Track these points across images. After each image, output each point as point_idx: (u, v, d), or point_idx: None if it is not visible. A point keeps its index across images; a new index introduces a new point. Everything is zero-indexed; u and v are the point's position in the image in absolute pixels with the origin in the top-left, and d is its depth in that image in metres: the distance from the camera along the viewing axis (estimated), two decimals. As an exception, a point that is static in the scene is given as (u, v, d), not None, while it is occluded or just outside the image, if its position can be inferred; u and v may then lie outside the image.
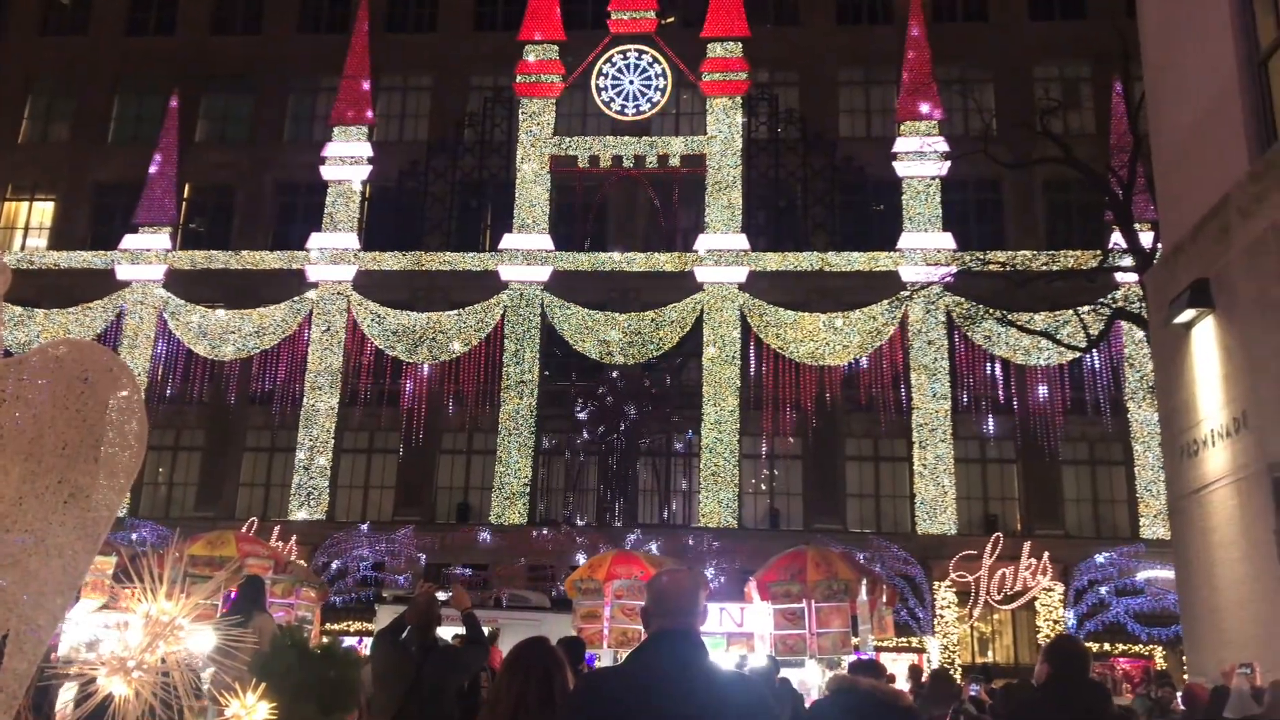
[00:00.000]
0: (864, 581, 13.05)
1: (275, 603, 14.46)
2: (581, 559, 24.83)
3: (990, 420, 26.60)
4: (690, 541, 25.50)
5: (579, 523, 26.48)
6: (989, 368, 26.84)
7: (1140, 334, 22.54)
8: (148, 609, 3.65)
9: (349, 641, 20.62)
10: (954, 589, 24.69)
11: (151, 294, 28.90)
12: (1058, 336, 23.05)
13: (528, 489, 26.89)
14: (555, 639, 8.61)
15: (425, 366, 27.82)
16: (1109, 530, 26.21)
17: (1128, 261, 21.37)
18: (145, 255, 29.10)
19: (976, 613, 24.38)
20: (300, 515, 26.95)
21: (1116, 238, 23.24)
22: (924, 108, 28.08)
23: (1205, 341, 8.89)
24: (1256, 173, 7.98)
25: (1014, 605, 24.39)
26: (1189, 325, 9.11)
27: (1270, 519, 7.67)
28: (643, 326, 27.36)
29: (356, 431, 28.41)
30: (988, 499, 26.75)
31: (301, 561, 23.51)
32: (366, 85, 29.98)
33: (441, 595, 6.92)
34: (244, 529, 23.65)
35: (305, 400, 27.88)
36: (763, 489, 27.23)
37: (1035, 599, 24.48)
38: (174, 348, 28.67)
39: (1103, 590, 24.22)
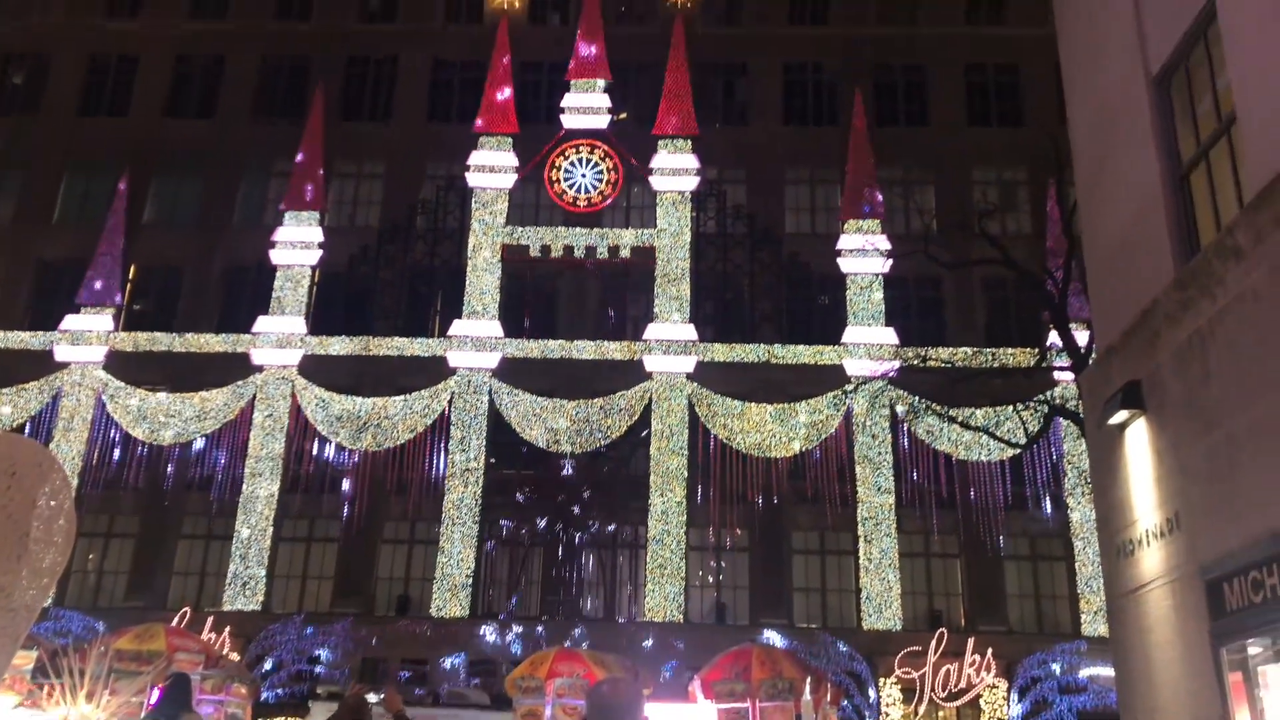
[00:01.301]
0: (809, 680, 12.95)
1: (205, 699, 13.97)
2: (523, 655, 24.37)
3: (934, 514, 26.78)
4: (636, 637, 25.11)
5: (517, 621, 25.99)
6: (932, 462, 27.12)
7: (1079, 431, 22.97)
8: (65, 712, 3.52)
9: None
10: (899, 685, 24.53)
11: (91, 376, 28.34)
12: (997, 433, 23.40)
13: (470, 581, 26.41)
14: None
15: (369, 453, 27.47)
16: (1051, 626, 26.32)
17: (1065, 361, 21.87)
18: (86, 336, 28.61)
19: (921, 710, 24.21)
20: (235, 605, 26.16)
21: (1054, 336, 23.81)
22: (866, 207, 28.85)
23: (1138, 443, 9.08)
24: (1182, 281, 8.29)
25: (959, 702, 24.26)
26: (1122, 426, 9.31)
27: (1204, 620, 7.77)
28: (591, 414, 27.34)
29: (296, 519, 27.82)
30: (932, 594, 26.79)
31: (234, 655, 22.78)
32: (320, 171, 30.14)
33: (373, 697, 6.72)
34: (175, 620, 22.93)
35: (245, 486, 27.31)
36: (709, 582, 27.02)
37: (980, 696, 24.38)
38: (111, 431, 28.03)
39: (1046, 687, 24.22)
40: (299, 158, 30.09)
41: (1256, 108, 7.50)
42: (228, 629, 24.50)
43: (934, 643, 24.18)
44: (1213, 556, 7.56)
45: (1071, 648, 24.56)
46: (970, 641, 24.36)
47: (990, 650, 24.27)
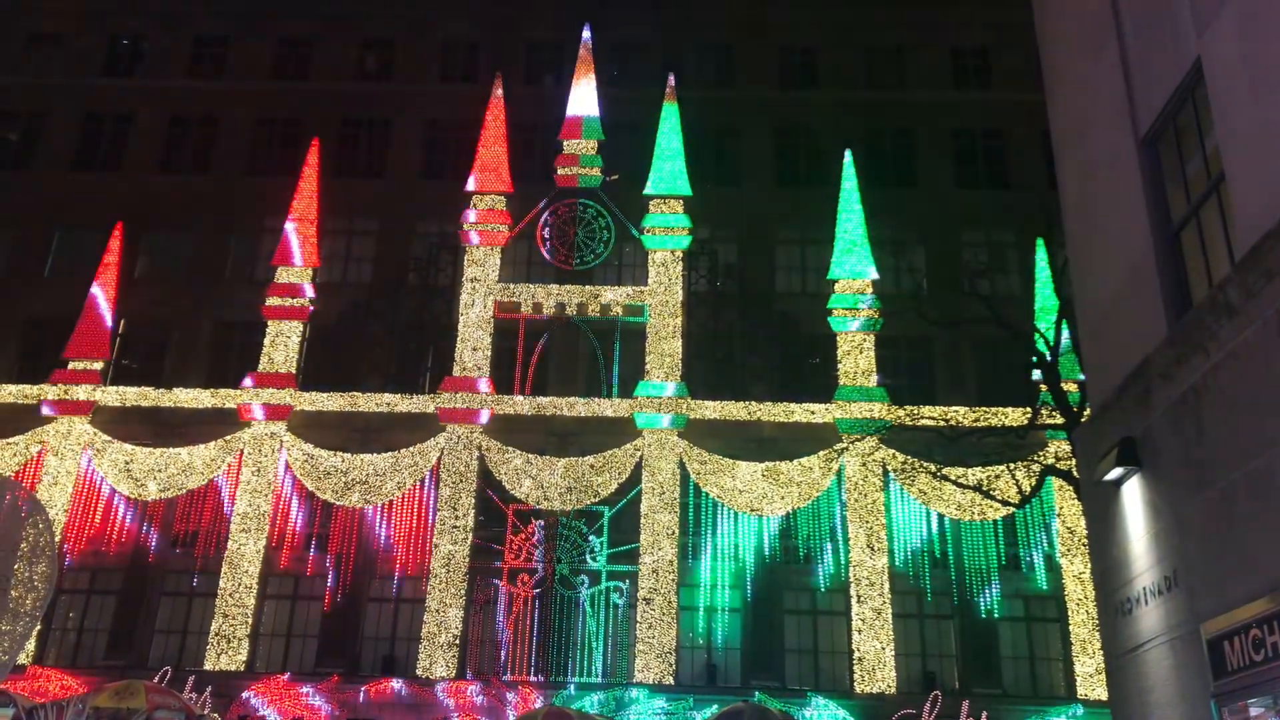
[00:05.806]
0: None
1: (183, 760, 13.64)
2: (512, 715, 23.98)
3: (927, 575, 26.56)
4: (626, 697, 24.70)
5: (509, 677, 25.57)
6: (925, 521, 26.96)
7: (1072, 491, 22.91)
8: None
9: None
10: (894, 750, 24.09)
11: (76, 430, 28.12)
12: (990, 492, 23.31)
13: (457, 640, 26.01)
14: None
15: (356, 510, 27.21)
16: (1046, 689, 25.98)
17: (1057, 419, 21.89)
18: (73, 390, 28.41)
19: (916, 775, 23.75)
20: (218, 665, 25.67)
21: (1046, 395, 23.85)
22: (856, 267, 28.99)
23: (1134, 499, 9.04)
24: (1175, 338, 8.31)
25: (954, 768, 23.81)
26: (1118, 483, 9.28)
27: (1207, 680, 7.67)
28: (581, 472, 27.18)
29: (281, 577, 27.45)
30: (926, 655, 26.45)
31: (215, 715, 22.33)
32: (312, 228, 30.24)
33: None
34: (156, 679, 22.53)
35: (230, 543, 26.97)
36: (700, 643, 26.66)
37: (975, 762, 23.95)
38: (96, 486, 27.74)
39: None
40: (291, 214, 30.22)
41: (1245, 166, 7.58)
42: (209, 688, 24.02)
43: (928, 705, 23.84)
44: (1213, 614, 7.48)
45: (1068, 711, 24.23)
46: (964, 705, 24.00)
47: (985, 714, 23.91)
